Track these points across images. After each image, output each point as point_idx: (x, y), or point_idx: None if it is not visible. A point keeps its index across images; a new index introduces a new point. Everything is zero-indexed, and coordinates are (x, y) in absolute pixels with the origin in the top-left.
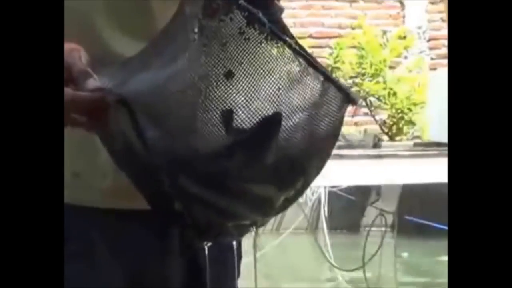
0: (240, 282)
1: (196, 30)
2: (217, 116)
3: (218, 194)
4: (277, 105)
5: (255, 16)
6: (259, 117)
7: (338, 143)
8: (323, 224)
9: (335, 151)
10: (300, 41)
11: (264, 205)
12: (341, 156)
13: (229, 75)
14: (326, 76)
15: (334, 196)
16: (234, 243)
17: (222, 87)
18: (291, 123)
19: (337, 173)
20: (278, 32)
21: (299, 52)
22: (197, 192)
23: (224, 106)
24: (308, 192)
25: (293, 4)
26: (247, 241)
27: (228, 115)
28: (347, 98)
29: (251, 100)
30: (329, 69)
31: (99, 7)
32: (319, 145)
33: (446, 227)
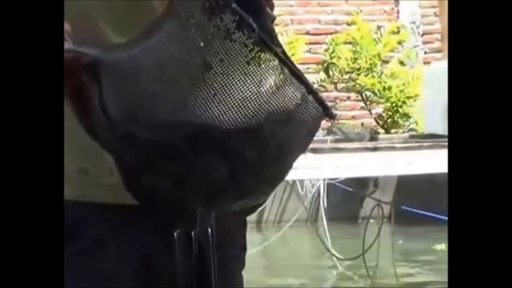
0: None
1: (192, 28)
2: (183, 100)
3: (176, 174)
4: (251, 107)
5: (245, 21)
6: (230, 115)
7: (336, 137)
8: (323, 215)
9: (333, 145)
10: (298, 38)
11: (216, 194)
12: (339, 149)
13: (207, 67)
14: (309, 88)
15: (332, 188)
16: (209, 230)
17: (196, 77)
18: (264, 127)
19: (335, 166)
20: (266, 39)
21: (284, 61)
22: (157, 170)
23: (194, 95)
24: (307, 184)
25: (291, 2)
26: (250, 235)
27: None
28: (326, 112)
29: (224, 96)
30: (326, 64)
31: (101, 8)
32: (289, 150)
33: (441, 216)
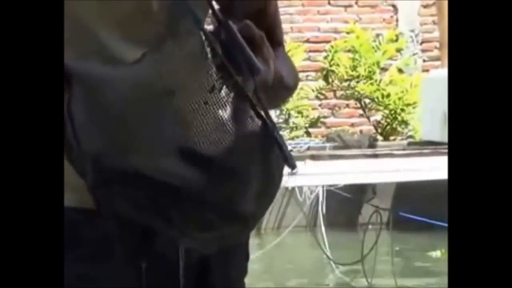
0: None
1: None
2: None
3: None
4: (212, 137)
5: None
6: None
7: (335, 144)
8: (321, 221)
9: (332, 152)
10: (298, 46)
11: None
12: (338, 156)
13: (171, 93)
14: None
15: (331, 194)
16: (181, 264)
17: (163, 101)
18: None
19: (334, 172)
20: (228, 66)
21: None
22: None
23: (162, 119)
24: (306, 191)
25: (291, 10)
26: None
27: None
28: (285, 160)
29: (186, 123)
30: (325, 72)
31: (101, 13)
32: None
33: (438, 223)
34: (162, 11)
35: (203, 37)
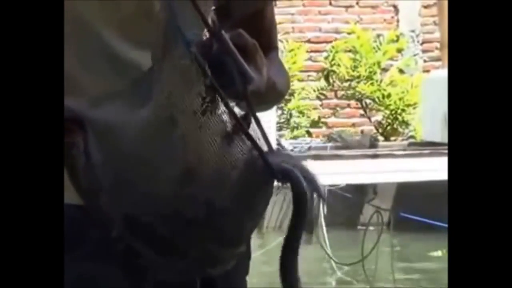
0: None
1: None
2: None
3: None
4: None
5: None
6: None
7: (336, 144)
8: (322, 221)
9: (333, 152)
10: (299, 46)
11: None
12: (339, 156)
13: (174, 123)
14: (257, 148)
15: (332, 194)
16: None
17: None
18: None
19: (335, 172)
20: (218, 88)
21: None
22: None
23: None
24: None
25: (292, 10)
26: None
27: None
28: (272, 174)
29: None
30: (326, 72)
31: (104, 14)
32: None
33: (439, 223)
34: (159, 32)
35: (193, 59)
